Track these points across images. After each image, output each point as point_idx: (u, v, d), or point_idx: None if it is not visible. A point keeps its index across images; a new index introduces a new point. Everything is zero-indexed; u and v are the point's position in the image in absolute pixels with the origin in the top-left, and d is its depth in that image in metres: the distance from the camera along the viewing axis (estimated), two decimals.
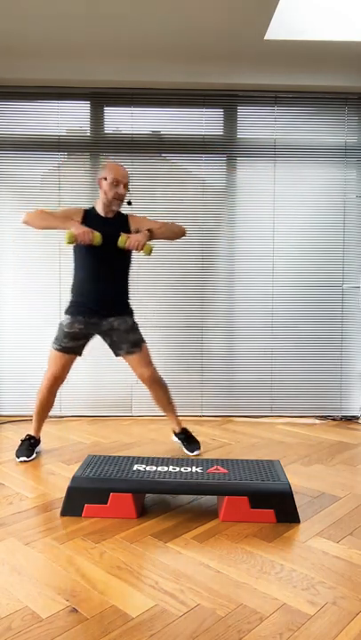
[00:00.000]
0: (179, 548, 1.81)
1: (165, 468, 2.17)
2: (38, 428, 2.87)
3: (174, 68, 3.53)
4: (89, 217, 2.73)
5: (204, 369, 3.75)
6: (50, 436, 3.20)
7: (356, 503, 2.20)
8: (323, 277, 3.76)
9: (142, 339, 2.82)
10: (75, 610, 1.45)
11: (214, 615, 1.43)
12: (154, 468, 2.17)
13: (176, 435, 2.96)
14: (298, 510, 2.05)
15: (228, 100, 3.72)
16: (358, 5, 3.05)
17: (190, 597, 1.52)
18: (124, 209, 2.83)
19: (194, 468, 2.17)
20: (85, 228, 2.51)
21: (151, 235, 2.64)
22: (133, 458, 2.30)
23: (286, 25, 3.12)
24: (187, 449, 2.86)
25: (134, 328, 2.80)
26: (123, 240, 2.58)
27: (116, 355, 2.83)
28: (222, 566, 1.69)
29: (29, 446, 2.80)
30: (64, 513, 2.06)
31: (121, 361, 3.73)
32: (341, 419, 3.73)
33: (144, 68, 3.53)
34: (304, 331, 3.77)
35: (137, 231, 2.68)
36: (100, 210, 2.75)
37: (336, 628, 1.38)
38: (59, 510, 2.09)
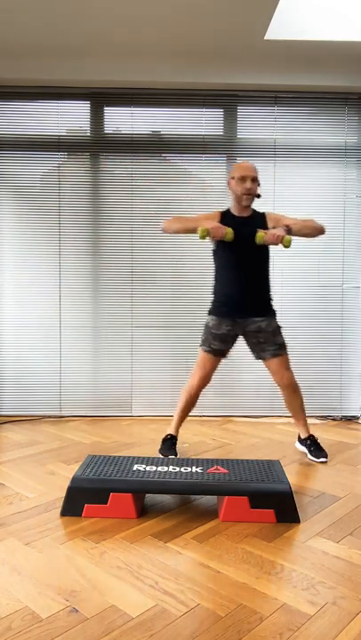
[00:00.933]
0: (179, 548, 1.81)
1: (165, 468, 2.17)
2: (178, 427, 2.89)
3: (174, 68, 3.53)
4: (225, 218, 2.75)
5: None
6: (50, 436, 3.20)
7: (356, 503, 2.20)
8: (323, 277, 3.76)
9: (285, 342, 2.80)
10: (75, 610, 1.45)
11: (214, 615, 1.43)
12: (154, 467, 2.17)
13: (301, 440, 2.92)
14: (298, 510, 2.05)
15: (228, 99, 3.72)
16: (358, 5, 3.05)
17: (190, 597, 1.52)
18: (260, 206, 2.82)
19: (194, 468, 2.17)
20: (218, 224, 2.55)
21: (289, 230, 2.62)
22: (133, 458, 2.30)
23: (286, 25, 3.12)
24: (312, 455, 2.80)
25: (279, 330, 2.80)
26: (260, 236, 2.56)
27: (258, 357, 2.80)
28: (222, 566, 1.69)
29: (172, 445, 2.82)
30: (64, 513, 2.06)
31: (121, 361, 3.73)
32: (341, 419, 3.73)
33: (144, 68, 3.53)
34: (304, 331, 3.77)
35: (274, 228, 2.67)
36: (234, 210, 2.77)
37: (336, 627, 1.38)
38: (59, 510, 2.09)
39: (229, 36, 3.18)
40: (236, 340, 2.80)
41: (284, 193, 3.74)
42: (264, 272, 2.79)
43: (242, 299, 2.73)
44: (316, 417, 3.74)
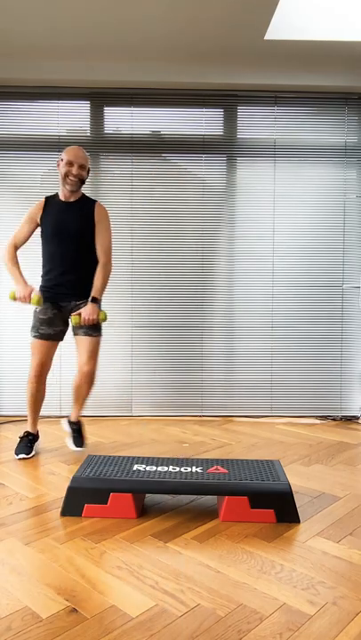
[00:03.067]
0: (179, 548, 1.81)
1: (165, 468, 2.17)
2: (34, 423, 2.90)
3: (174, 68, 3.53)
4: (50, 204, 2.79)
5: (204, 369, 3.75)
6: (50, 436, 3.20)
7: (356, 503, 2.20)
8: (323, 277, 3.76)
9: (101, 329, 2.84)
10: (75, 610, 1.45)
11: (214, 615, 1.43)
12: (154, 467, 2.17)
13: (70, 422, 2.96)
14: (298, 510, 2.05)
15: (228, 99, 3.72)
16: (358, 5, 3.05)
17: (190, 597, 1.52)
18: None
19: (194, 468, 2.17)
20: (26, 294, 2.65)
21: (97, 301, 2.74)
22: (133, 458, 2.30)
23: (286, 25, 3.12)
24: (74, 442, 2.87)
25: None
26: (76, 320, 2.69)
27: (75, 333, 2.82)
28: (222, 566, 1.69)
29: (28, 443, 2.82)
30: (64, 513, 2.06)
31: (121, 361, 3.73)
32: (341, 419, 3.73)
33: (144, 68, 3.53)
34: (304, 331, 3.77)
35: (97, 224, 2.78)
36: (61, 195, 2.80)
37: (336, 627, 1.38)
38: (59, 510, 2.09)
39: (229, 36, 3.18)
40: (65, 323, 2.83)
41: (284, 193, 3.74)
42: (85, 258, 2.80)
43: (64, 284, 2.76)
44: (316, 417, 3.74)
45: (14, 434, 3.24)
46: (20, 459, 2.75)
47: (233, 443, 3.11)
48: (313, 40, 3.21)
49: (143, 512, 2.09)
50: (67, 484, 2.10)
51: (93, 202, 2.84)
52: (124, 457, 2.32)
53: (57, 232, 2.75)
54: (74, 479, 2.09)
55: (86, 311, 2.69)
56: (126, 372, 3.76)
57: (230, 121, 3.74)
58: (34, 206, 2.82)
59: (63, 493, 2.12)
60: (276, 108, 3.74)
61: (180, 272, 3.75)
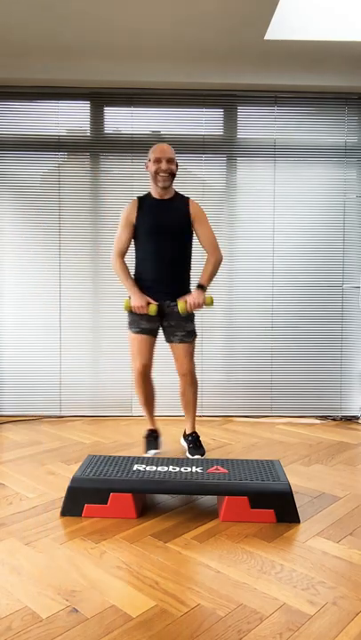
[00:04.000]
0: (179, 548, 1.81)
1: (165, 468, 2.17)
2: (152, 420, 2.92)
3: (174, 68, 3.53)
4: (143, 204, 2.76)
5: (205, 369, 3.75)
6: (50, 436, 3.20)
7: (356, 503, 2.20)
8: (323, 277, 3.76)
9: (195, 331, 2.82)
10: (75, 610, 1.45)
11: (214, 615, 1.43)
12: (154, 467, 2.17)
13: (184, 435, 2.93)
14: (298, 510, 2.05)
15: (228, 99, 3.72)
16: (358, 5, 3.05)
17: (190, 597, 1.52)
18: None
19: (194, 468, 2.17)
20: (142, 304, 2.64)
21: (204, 288, 2.71)
22: (133, 458, 2.30)
23: (286, 25, 3.12)
24: (189, 452, 2.81)
25: (192, 318, 2.80)
26: (183, 307, 2.65)
27: (167, 340, 2.80)
28: (222, 566, 1.69)
29: (154, 440, 2.85)
30: (64, 513, 2.06)
31: (121, 361, 3.73)
32: (341, 419, 3.73)
33: (144, 68, 3.53)
34: (304, 331, 3.77)
35: (194, 221, 2.75)
36: (154, 193, 2.78)
37: (336, 627, 1.38)
38: (59, 510, 2.09)
39: (229, 36, 3.18)
40: (160, 320, 2.78)
41: (284, 193, 3.74)
42: (182, 257, 2.78)
43: (160, 283, 2.73)
44: (316, 417, 3.74)
45: (14, 434, 3.25)
46: (153, 455, 2.75)
47: (233, 443, 3.11)
48: (313, 40, 3.21)
49: (143, 512, 2.09)
50: (67, 484, 2.10)
51: (187, 198, 2.80)
52: (124, 457, 2.32)
53: (154, 231, 2.71)
54: (74, 479, 2.09)
55: (192, 296, 2.66)
56: (127, 372, 3.75)
57: (230, 121, 3.74)
58: (127, 209, 2.77)
59: (63, 493, 2.12)
60: (276, 107, 3.74)
61: None
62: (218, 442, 3.13)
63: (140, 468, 2.16)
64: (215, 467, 2.19)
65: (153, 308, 2.66)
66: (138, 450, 2.93)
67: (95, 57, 3.46)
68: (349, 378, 3.79)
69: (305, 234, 3.75)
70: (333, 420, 3.71)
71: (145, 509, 2.11)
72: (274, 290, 3.76)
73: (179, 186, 3.72)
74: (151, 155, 2.71)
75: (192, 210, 2.76)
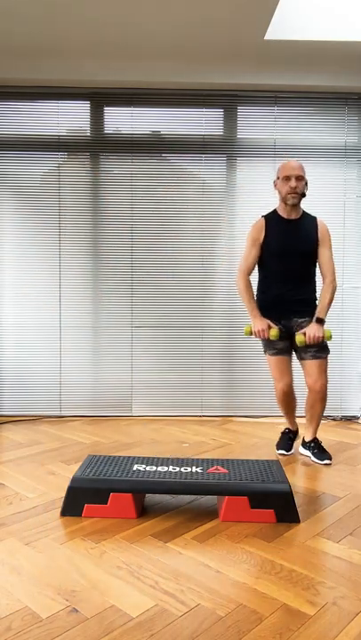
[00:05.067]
0: (179, 548, 1.81)
1: (165, 468, 2.17)
2: (292, 421, 2.94)
3: (174, 68, 3.53)
4: (270, 223, 2.74)
5: (204, 369, 3.75)
6: (50, 436, 3.20)
7: (356, 503, 2.20)
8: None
9: (328, 347, 2.78)
10: (75, 610, 1.45)
11: (214, 615, 1.43)
12: (154, 467, 2.17)
13: (304, 443, 2.89)
14: (298, 510, 2.05)
15: (228, 99, 3.72)
16: (358, 5, 3.05)
17: (190, 597, 1.52)
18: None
19: (194, 468, 2.17)
20: (264, 328, 2.65)
21: (322, 322, 2.67)
22: (133, 458, 2.30)
23: (286, 25, 3.12)
24: (318, 458, 2.77)
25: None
26: (302, 340, 2.63)
27: (300, 358, 2.77)
28: (222, 566, 1.69)
29: (289, 440, 2.87)
30: (64, 513, 2.06)
31: (121, 361, 3.72)
32: (341, 419, 3.73)
33: (144, 68, 3.53)
34: None
35: (320, 240, 2.73)
36: (282, 212, 2.76)
37: (336, 627, 1.38)
38: (59, 510, 2.09)
39: (229, 36, 3.18)
40: (290, 338, 2.76)
41: None
42: (310, 276, 2.77)
43: (286, 302, 2.72)
44: None
45: (14, 434, 3.25)
46: (280, 454, 2.80)
47: (233, 443, 3.11)
48: (313, 40, 3.21)
49: (143, 512, 2.09)
50: (67, 484, 2.10)
51: (314, 218, 2.79)
52: (124, 457, 2.31)
53: (283, 251, 2.70)
54: (74, 479, 2.09)
55: (311, 330, 2.62)
56: (126, 372, 3.76)
57: (230, 121, 3.74)
58: (254, 228, 2.77)
59: (63, 493, 2.12)
60: (276, 107, 3.74)
61: (180, 272, 3.75)
62: (218, 442, 3.13)
63: (140, 468, 2.16)
64: (215, 467, 2.19)
65: (274, 332, 2.64)
66: (138, 450, 2.93)
67: (95, 57, 3.46)
68: (349, 378, 3.79)
69: None
70: (333, 420, 3.71)
71: (145, 509, 2.11)
72: None
73: (179, 186, 3.74)
74: (280, 172, 2.69)
75: (320, 230, 2.74)
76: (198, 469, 2.16)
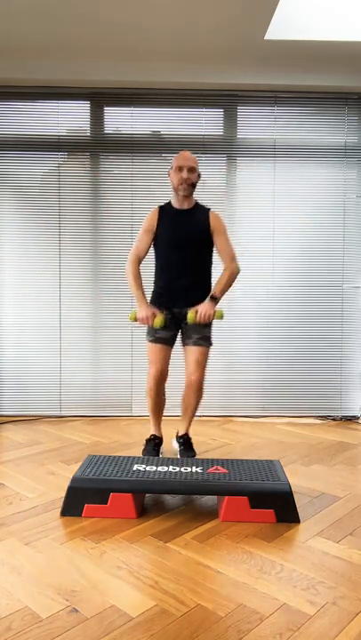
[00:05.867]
0: (179, 548, 1.81)
1: (165, 468, 2.17)
2: (158, 426, 2.90)
3: (174, 68, 3.53)
4: (164, 213, 2.77)
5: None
6: (50, 436, 3.20)
7: (356, 503, 2.20)
8: (323, 277, 3.76)
9: (211, 338, 2.81)
10: (75, 610, 1.45)
11: (214, 615, 1.43)
12: (154, 467, 2.17)
13: (177, 436, 2.94)
14: (298, 510, 2.05)
15: (228, 99, 3.72)
16: (358, 5, 3.05)
17: (190, 597, 1.52)
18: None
19: (194, 468, 2.17)
20: (148, 315, 2.62)
21: (216, 300, 2.69)
22: (133, 458, 2.30)
23: (286, 25, 3.12)
24: (180, 454, 2.81)
25: (210, 324, 2.80)
26: (192, 317, 2.64)
27: (184, 344, 2.80)
28: (222, 566, 1.69)
29: (155, 446, 2.83)
30: (64, 513, 2.06)
31: (121, 361, 3.72)
32: (341, 419, 3.73)
33: (144, 68, 3.53)
34: (304, 330, 3.77)
35: (213, 232, 2.74)
36: (175, 203, 2.78)
37: (336, 627, 1.38)
38: (59, 510, 2.09)
39: (229, 36, 3.18)
40: (177, 328, 2.79)
41: (284, 193, 3.74)
42: (201, 266, 2.78)
43: (179, 291, 2.73)
44: (316, 417, 3.74)
45: (14, 434, 3.25)
46: None
47: (233, 443, 3.11)
48: (313, 40, 3.21)
49: (143, 512, 2.09)
50: (67, 484, 2.10)
51: (207, 209, 2.81)
52: (124, 457, 2.32)
53: (174, 240, 2.72)
54: (74, 479, 2.09)
55: (203, 307, 2.65)
56: (126, 372, 3.76)
57: (230, 121, 3.74)
58: (148, 216, 2.78)
59: (63, 493, 2.12)
60: (276, 107, 3.74)
61: None
62: (218, 442, 3.13)
63: (140, 468, 2.16)
64: (215, 467, 2.19)
65: (158, 321, 2.63)
66: (138, 450, 2.93)
67: (95, 57, 3.46)
68: (349, 378, 3.79)
69: (305, 234, 3.75)
70: (333, 420, 3.71)
71: (145, 509, 2.11)
72: (274, 290, 3.76)
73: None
74: (174, 163, 2.71)
75: (212, 221, 2.76)
76: (198, 469, 2.16)
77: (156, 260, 2.81)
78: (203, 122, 3.74)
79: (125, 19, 3.00)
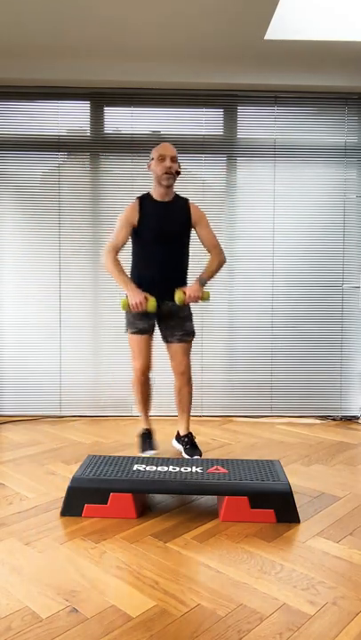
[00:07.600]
0: (179, 548, 1.81)
1: (165, 468, 2.17)
2: (148, 419, 2.92)
3: (174, 68, 3.53)
4: (144, 205, 2.75)
5: (205, 369, 3.74)
6: (50, 436, 3.20)
7: (356, 503, 2.20)
8: (323, 277, 3.76)
9: (194, 331, 2.83)
10: (75, 610, 1.45)
11: (214, 615, 1.43)
12: (154, 467, 2.17)
13: (178, 437, 2.92)
14: (298, 510, 2.05)
15: (228, 99, 3.72)
16: (358, 5, 3.04)
17: (190, 597, 1.52)
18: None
19: (194, 468, 2.17)
20: (141, 298, 2.57)
21: (202, 282, 2.70)
22: (133, 458, 2.30)
23: (286, 25, 3.11)
24: (186, 453, 2.80)
25: (191, 318, 2.82)
26: (180, 298, 2.64)
27: (165, 340, 2.81)
28: (222, 566, 1.69)
29: (149, 439, 2.84)
30: (64, 513, 2.06)
31: (121, 361, 3.72)
32: (341, 419, 3.73)
33: (144, 68, 3.53)
34: (304, 331, 3.77)
35: (195, 223, 2.78)
36: (155, 194, 2.77)
37: (336, 627, 1.38)
38: (59, 510, 2.09)
39: (229, 36, 3.18)
40: (155, 317, 2.78)
41: (284, 193, 3.74)
42: (182, 258, 2.80)
43: (159, 283, 2.72)
44: (316, 417, 3.74)
45: (14, 434, 3.25)
46: (150, 456, 2.68)
47: (233, 443, 3.11)
48: (313, 40, 3.21)
49: (143, 512, 2.09)
50: (67, 484, 2.10)
51: (186, 200, 2.81)
52: (124, 457, 2.32)
53: (155, 234, 2.71)
54: (74, 479, 2.09)
55: (191, 289, 2.65)
56: (126, 372, 3.75)
57: (230, 121, 3.74)
58: (128, 208, 2.75)
59: (63, 493, 2.12)
60: (276, 108, 3.74)
61: None
62: (218, 442, 3.13)
63: (140, 468, 2.16)
64: (215, 467, 2.19)
65: (152, 304, 2.62)
66: (138, 450, 2.93)
67: (95, 57, 3.46)
68: (349, 378, 3.79)
69: (305, 234, 3.75)
70: (333, 419, 3.71)
71: (145, 509, 2.11)
72: (274, 290, 3.76)
73: (179, 186, 3.72)
74: (154, 153, 2.71)
75: (193, 212, 2.77)
76: (198, 469, 2.16)
77: (135, 253, 2.79)
78: (203, 122, 3.74)
79: (125, 19, 3.00)
